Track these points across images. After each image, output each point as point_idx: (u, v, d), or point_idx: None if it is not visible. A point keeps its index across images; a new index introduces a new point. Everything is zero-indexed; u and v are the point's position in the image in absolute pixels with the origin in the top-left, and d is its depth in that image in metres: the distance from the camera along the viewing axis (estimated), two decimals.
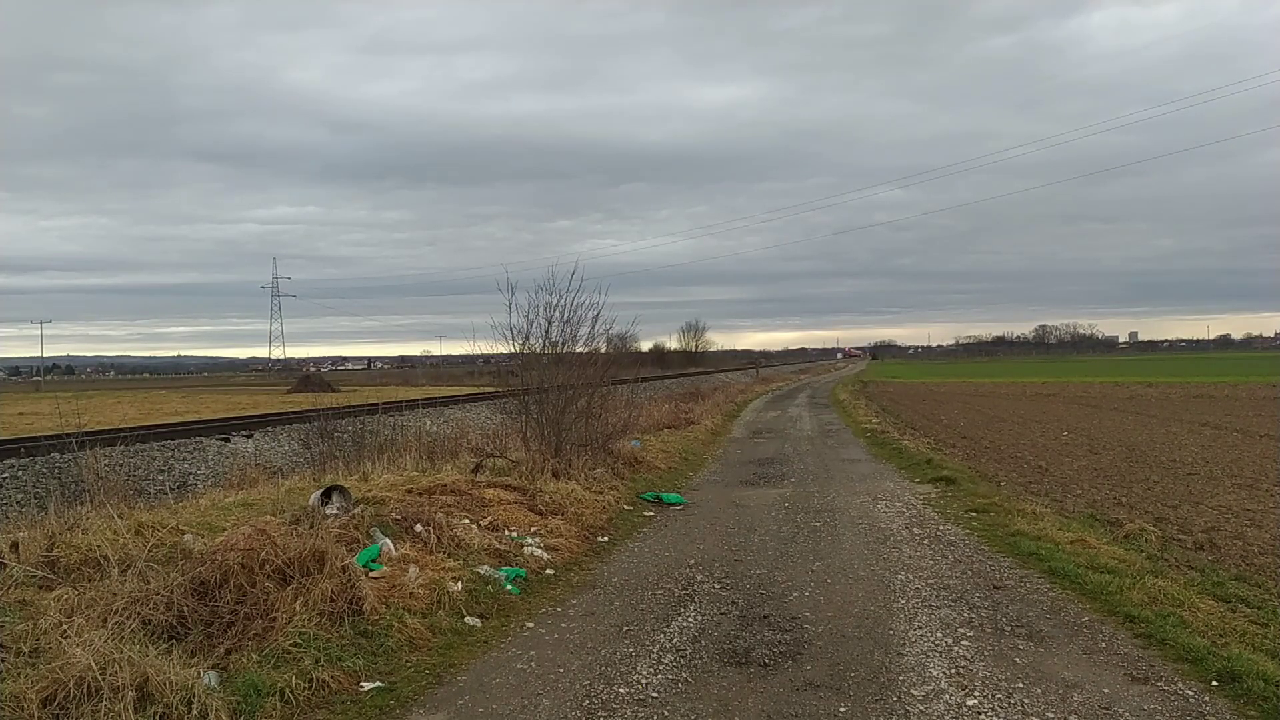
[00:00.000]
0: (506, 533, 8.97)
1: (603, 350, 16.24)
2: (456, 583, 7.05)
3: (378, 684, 5.39)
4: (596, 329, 14.70)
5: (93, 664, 4.57)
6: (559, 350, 14.21)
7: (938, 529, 9.85)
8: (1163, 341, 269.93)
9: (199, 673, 4.92)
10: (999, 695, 5.10)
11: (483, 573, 7.51)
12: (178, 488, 14.15)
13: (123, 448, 15.85)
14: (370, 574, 6.79)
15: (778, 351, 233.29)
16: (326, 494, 8.54)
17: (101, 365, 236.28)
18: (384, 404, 20.69)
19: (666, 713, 4.98)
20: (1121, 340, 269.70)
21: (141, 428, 18.28)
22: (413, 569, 7.11)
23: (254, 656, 5.31)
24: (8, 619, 5.25)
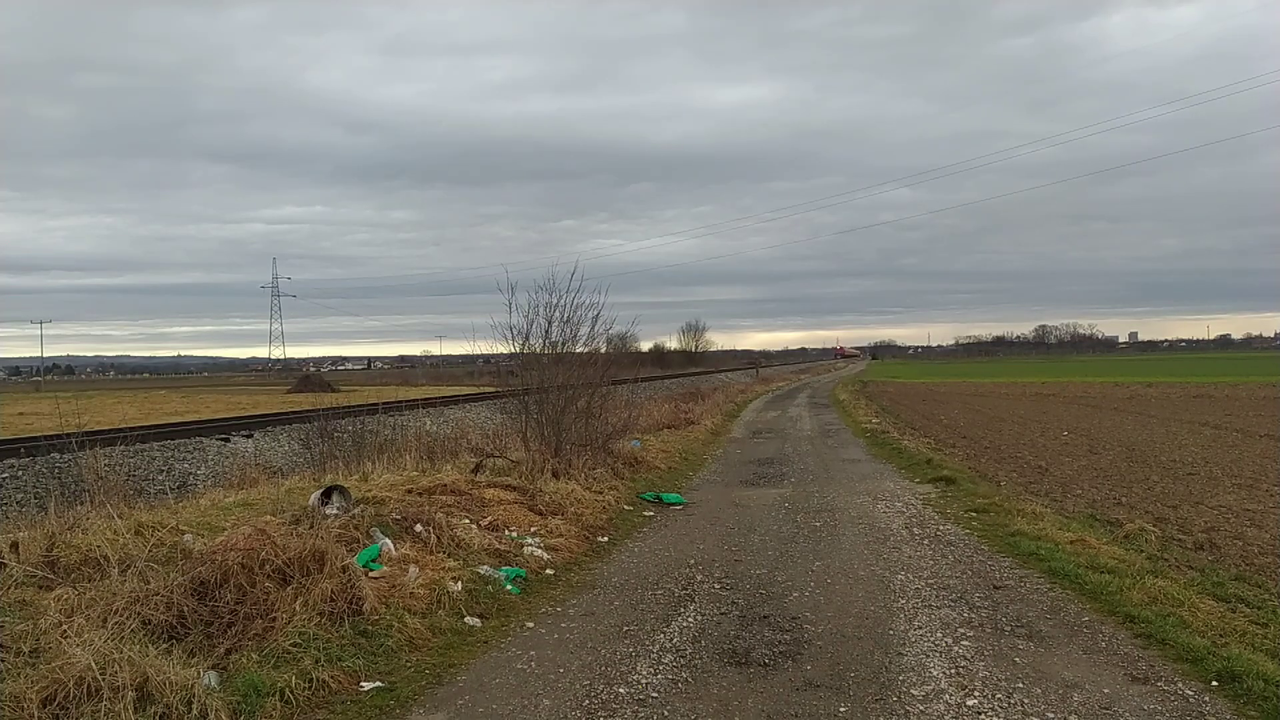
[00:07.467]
0: (506, 533, 8.97)
1: (603, 350, 16.27)
2: (456, 583, 7.05)
3: (378, 684, 5.39)
4: (596, 329, 14.75)
5: (93, 664, 4.57)
6: (559, 350, 14.23)
7: (938, 529, 9.85)
8: (1163, 341, 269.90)
9: (199, 673, 4.91)
10: (999, 695, 5.11)
11: (483, 573, 7.51)
12: (178, 488, 14.15)
13: (123, 448, 15.86)
14: (370, 574, 6.79)
15: (778, 351, 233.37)
16: (326, 494, 8.54)
17: (101, 365, 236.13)
18: (384, 404, 20.69)
19: (666, 713, 4.98)
20: (1121, 340, 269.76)
21: (141, 428, 18.27)
22: (413, 569, 7.11)
23: (254, 656, 5.31)
24: (8, 619, 5.25)
